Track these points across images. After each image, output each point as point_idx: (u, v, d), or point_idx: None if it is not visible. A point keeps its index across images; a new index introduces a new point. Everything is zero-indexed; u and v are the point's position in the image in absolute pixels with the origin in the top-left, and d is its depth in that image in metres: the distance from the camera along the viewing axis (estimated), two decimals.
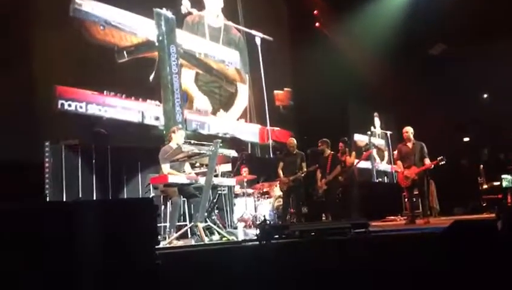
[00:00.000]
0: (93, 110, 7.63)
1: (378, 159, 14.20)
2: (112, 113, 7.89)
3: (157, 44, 8.92)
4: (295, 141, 8.45)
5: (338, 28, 12.50)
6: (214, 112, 10.07)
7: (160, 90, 8.85)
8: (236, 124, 10.47)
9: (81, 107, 7.45)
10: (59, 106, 7.18)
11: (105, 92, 7.87)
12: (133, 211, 2.70)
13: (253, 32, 11.32)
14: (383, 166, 14.31)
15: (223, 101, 10.43)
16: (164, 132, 8.26)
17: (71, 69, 7.44)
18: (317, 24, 12.89)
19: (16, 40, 6.62)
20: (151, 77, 8.64)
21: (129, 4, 8.53)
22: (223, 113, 10.24)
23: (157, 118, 8.62)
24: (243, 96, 11.02)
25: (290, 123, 11.80)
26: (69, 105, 7.31)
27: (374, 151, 13.75)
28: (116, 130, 7.70)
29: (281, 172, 8.23)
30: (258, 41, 11.31)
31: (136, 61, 8.50)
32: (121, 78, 8.15)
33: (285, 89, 12.23)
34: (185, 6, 9.79)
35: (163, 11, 9.12)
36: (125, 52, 8.29)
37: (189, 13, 9.91)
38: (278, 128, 11.33)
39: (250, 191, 8.46)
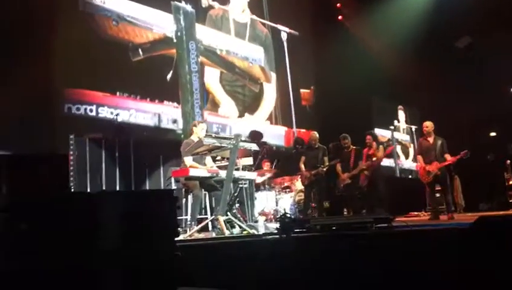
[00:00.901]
0: (104, 113, 7.23)
1: (402, 157, 13.28)
2: (125, 116, 7.49)
3: (175, 40, 8.42)
4: (317, 135, 8.35)
5: (361, 20, 12.31)
6: (240, 115, 9.64)
7: (178, 91, 8.38)
8: (260, 126, 9.85)
9: (91, 110, 7.05)
10: (65, 110, 6.84)
11: (118, 93, 7.44)
12: (153, 202, 2.73)
13: (279, 26, 10.85)
14: (408, 163, 13.41)
15: (247, 102, 9.89)
16: (182, 136, 7.80)
17: (81, 69, 7.01)
18: (340, 17, 12.75)
19: (25, 38, 6.30)
20: (169, 76, 8.19)
21: None
22: (248, 116, 9.82)
23: (174, 121, 8.21)
24: (269, 98, 10.49)
25: (316, 123, 11.18)
26: (78, 109, 6.93)
27: (398, 148, 13.20)
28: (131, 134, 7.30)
29: (302, 166, 8.17)
30: (284, 36, 10.86)
31: (152, 59, 8.01)
32: (136, 78, 7.67)
33: (312, 87, 11.80)
34: None
35: (182, 4, 8.64)
36: (140, 49, 7.82)
37: (211, 7, 9.43)
38: (304, 130, 10.77)
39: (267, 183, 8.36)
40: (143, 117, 7.78)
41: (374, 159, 8.05)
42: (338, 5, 12.74)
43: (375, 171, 8.21)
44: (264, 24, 10.70)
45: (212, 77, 9.28)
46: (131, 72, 7.69)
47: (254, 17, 10.37)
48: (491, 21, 10.68)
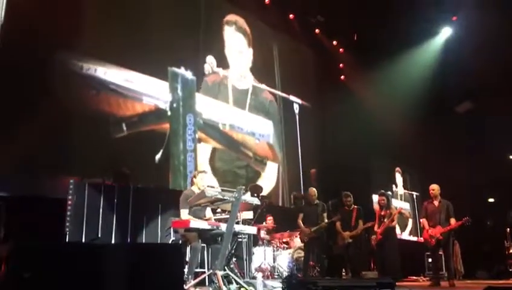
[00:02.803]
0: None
1: (398, 229, 11.44)
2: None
3: (169, 113, 7.22)
4: (315, 191, 8.15)
5: (363, 81, 12.41)
6: None
7: (168, 174, 7.18)
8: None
9: None
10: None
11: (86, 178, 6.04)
12: (160, 257, 2.64)
13: (292, 97, 9.98)
14: (405, 236, 12.16)
15: (246, 185, 8.29)
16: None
17: (45, 151, 5.89)
18: (342, 77, 12.96)
19: None
20: (158, 157, 7.03)
21: (134, 62, 6.80)
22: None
23: None
24: (270, 177, 9.13)
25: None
26: None
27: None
28: None
29: (301, 223, 7.99)
30: (296, 109, 10.01)
31: (138, 135, 6.80)
32: (115, 160, 6.52)
33: (315, 169, 10.77)
34: (210, 65, 8.29)
35: (181, 70, 7.49)
36: (124, 124, 6.61)
37: (214, 73, 8.32)
38: None
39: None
40: None
41: (387, 220, 7.89)
42: (341, 65, 13.02)
43: (390, 232, 7.96)
44: (274, 94, 9.66)
45: (201, 154, 7.87)
46: (110, 153, 6.51)
47: (257, 84, 9.32)
48: (492, 87, 10.92)
